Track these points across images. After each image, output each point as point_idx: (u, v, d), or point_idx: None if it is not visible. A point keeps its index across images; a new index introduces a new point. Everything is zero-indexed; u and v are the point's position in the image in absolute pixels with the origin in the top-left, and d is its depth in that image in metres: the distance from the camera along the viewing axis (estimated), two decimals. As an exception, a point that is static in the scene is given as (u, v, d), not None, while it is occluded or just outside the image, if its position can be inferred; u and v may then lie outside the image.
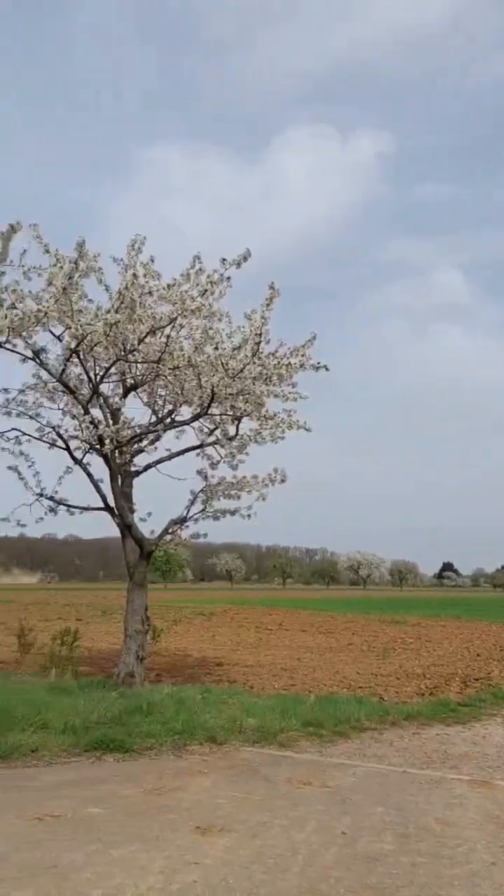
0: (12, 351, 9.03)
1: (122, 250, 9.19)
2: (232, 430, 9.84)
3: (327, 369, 9.07)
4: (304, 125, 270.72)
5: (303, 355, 9.07)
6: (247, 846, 4.20)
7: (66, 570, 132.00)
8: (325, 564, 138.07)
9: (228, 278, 8.70)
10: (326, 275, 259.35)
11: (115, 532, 10.39)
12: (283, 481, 9.75)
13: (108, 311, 8.54)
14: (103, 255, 9.19)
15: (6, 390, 9.72)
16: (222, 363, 8.77)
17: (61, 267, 8.36)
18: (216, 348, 8.81)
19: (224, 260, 8.50)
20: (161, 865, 3.91)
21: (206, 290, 8.66)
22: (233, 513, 10.09)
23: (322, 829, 4.55)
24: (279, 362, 8.94)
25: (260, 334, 8.61)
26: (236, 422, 9.76)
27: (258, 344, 8.71)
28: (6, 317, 8.03)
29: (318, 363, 9.02)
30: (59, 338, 9.14)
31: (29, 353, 9.16)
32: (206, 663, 13.43)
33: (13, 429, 9.82)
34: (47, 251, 8.60)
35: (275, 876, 3.82)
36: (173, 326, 8.89)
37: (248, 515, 9.89)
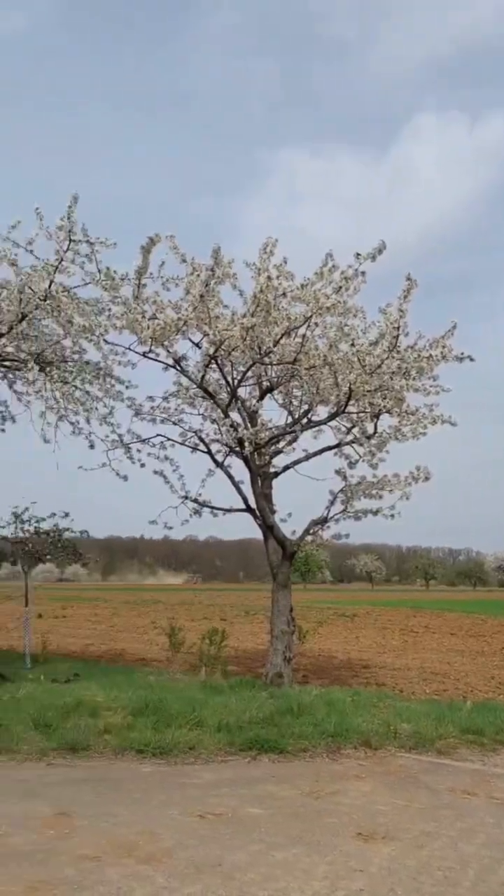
0: (155, 360, 9.40)
1: (254, 256, 9.29)
2: (370, 428, 9.63)
3: (472, 359, 8.66)
4: (431, 113, 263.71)
5: (443, 346, 8.70)
6: (413, 856, 4.05)
7: (208, 570, 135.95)
8: (470, 565, 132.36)
9: (363, 273, 8.54)
10: (463, 264, 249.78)
11: (254, 533, 10.51)
12: (426, 479, 9.40)
13: (244, 316, 8.64)
14: (236, 261, 9.34)
15: (151, 398, 10.12)
16: (359, 359, 8.61)
17: (198, 275, 8.56)
18: (352, 345, 8.66)
19: (358, 255, 8.34)
20: (325, 871, 3.84)
21: (340, 287, 8.54)
22: (375, 513, 9.86)
23: (493, 842, 4.30)
24: (419, 355, 8.64)
25: (398, 327, 8.36)
26: (375, 419, 9.55)
27: (396, 338, 8.46)
28: (149, 327, 8.35)
29: (462, 354, 8.63)
30: (197, 345, 9.38)
31: (170, 361, 9.49)
32: (351, 665, 13.27)
33: (158, 435, 10.20)
34: (184, 261, 8.85)
35: (445, 889, 3.64)
36: (308, 326, 8.84)
37: (392, 515, 9.63)
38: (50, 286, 8.79)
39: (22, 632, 12.47)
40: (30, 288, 8.82)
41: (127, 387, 10.27)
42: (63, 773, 5.59)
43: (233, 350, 8.98)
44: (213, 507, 10.27)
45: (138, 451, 10.23)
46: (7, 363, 10.29)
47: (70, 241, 8.71)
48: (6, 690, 8.15)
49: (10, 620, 13.63)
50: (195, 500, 10.18)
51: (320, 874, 3.80)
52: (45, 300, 8.80)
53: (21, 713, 6.95)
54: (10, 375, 10.80)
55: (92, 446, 10.34)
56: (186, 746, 6.21)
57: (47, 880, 3.63)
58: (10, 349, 9.98)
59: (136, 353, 9.51)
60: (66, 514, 12.07)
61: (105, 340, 9.43)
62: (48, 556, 12.81)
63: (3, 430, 11.24)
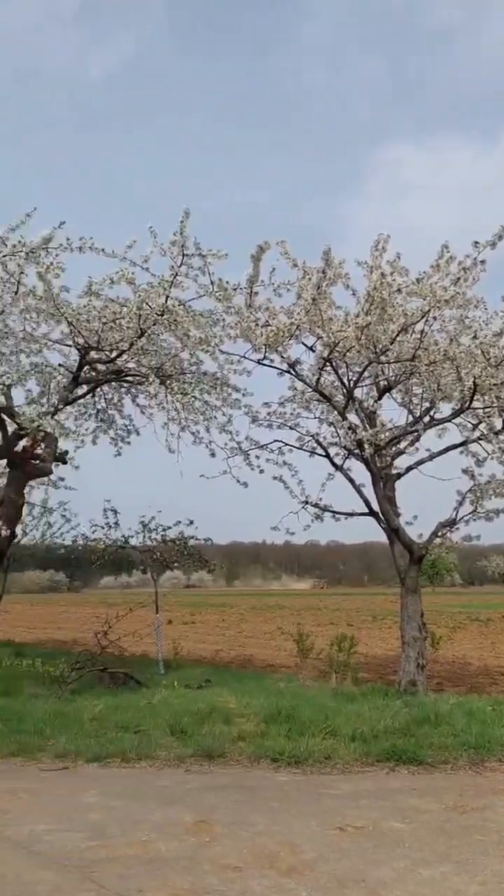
0: (270, 366, 9.42)
1: (364, 255, 9.09)
2: (498, 424, 9.18)
3: None
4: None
5: None
6: None
7: (331, 574, 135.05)
8: None
9: (483, 262, 8.16)
10: None
11: (375, 536, 10.39)
12: None
13: (358, 315, 8.48)
14: (347, 261, 9.20)
15: (267, 404, 10.13)
16: (483, 352, 8.23)
17: (309, 278, 8.50)
18: (475, 337, 8.30)
19: (476, 243, 7.99)
20: (477, 891, 3.63)
21: (458, 279, 8.21)
22: (508, 512, 9.40)
23: None
24: (548, 343, 8.15)
25: (524, 315, 7.93)
26: (503, 414, 9.09)
27: (522, 326, 8.03)
28: (262, 334, 8.38)
29: None
30: (311, 348, 9.31)
31: (285, 367, 9.48)
32: (489, 672, 12.69)
33: (276, 440, 10.21)
34: (295, 265, 8.82)
35: None
36: (426, 321, 8.56)
37: (527, 514, 9.12)
38: (166, 301, 9.01)
39: (154, 638, 12.84)
40: (147, 304, 9.07)
41: (243, 394, 10.37)
42: (201, 780, 5.65)
43: (348, 351, 8.84)
44: (334, 512, 10.16)
45: (257, 457, 10.28)
46: (129, 378, 10.66)
47: (183, 255, 8.88)
48: (143, 696, 8.41)
49: (143, 627, 14.07)
50: (315, 505, 10.09)
51: (472, 894, 3.59)
52: (162, 315, 9.03)
53: (157, 719, 7.13)
54: (133, 390, 11.18)
55: (213, 455, 10.52)
56: (321, 756, 6.11)
57: (191, 889, 3.65)
58: (131, 365, 10.34)
59: (251, 360, 9.58)
60: (191, 522, 12.37)
61: (220, 350, 9.56)
62: (175, 564, 13.17)
63: (128, 443, 11.67)
